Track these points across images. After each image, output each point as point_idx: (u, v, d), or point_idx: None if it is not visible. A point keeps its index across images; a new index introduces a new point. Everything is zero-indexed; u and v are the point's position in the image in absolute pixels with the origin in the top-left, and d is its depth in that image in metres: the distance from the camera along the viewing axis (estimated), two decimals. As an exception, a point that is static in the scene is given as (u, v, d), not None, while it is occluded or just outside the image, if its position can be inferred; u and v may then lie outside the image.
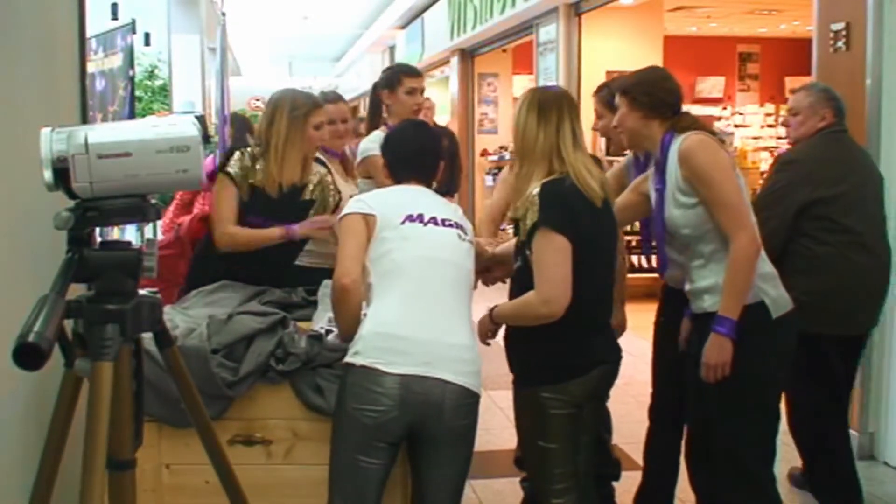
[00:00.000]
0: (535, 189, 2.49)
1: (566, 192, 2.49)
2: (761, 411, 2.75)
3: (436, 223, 2.54)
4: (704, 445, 2.89)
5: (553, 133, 2.53)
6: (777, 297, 2.71)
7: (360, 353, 2.37)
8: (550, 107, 2.56)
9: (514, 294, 2.62)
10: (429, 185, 2.69)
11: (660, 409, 3.36)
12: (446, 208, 2.63)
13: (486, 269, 2.87)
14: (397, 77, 3.86)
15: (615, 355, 2.66)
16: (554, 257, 2.43)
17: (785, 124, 3.75)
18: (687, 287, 2.77)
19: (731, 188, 2.63)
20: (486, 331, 2.65)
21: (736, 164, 2.72)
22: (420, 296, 2.45)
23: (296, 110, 3.14)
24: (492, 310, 2.63)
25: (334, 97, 3.87)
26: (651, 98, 2.75)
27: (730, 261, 2.60)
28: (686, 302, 2.83)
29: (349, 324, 2.49)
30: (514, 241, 2.69)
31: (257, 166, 3.14)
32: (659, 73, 2.91)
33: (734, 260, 2.59)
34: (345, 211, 2.61)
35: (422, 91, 3.89)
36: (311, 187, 3.25)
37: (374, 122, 4.02)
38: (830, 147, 3.50)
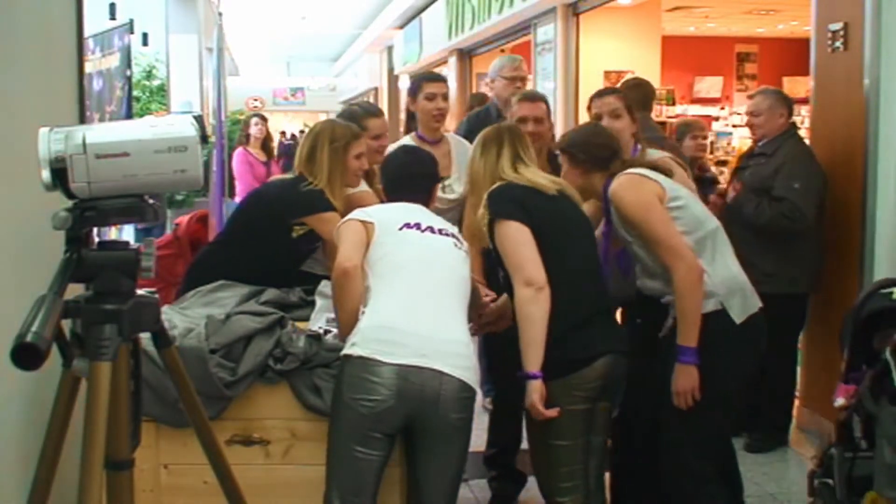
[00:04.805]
0: (485, 197, 2.67)
1: (512, 187, 2.70)
2: (711, 413, 2.74)
3: (432, 231, 2.63)
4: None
5: (493, 161, 2.77)
6: (742, 305, 2.74)
7: (358, 345, 2.39)
8: (491, 140, 2.82)
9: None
10: (425, 206, 2.77)
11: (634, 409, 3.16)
12: (442, 222, 2.72)
13: (480, 325, 2.95)
14: (418, 83, 3.82)
15: (619, 346, 2.67)
16: (514, 241, 2.58)
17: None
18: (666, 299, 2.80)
19: (655, 224, 2.70)
20: None
21: (664, 197, 2.73)
22: (418, 293, 2.48)
23: (336, 142, 3.15)
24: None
25: (376, 111, 3.80)
26: (587, 155, 2.91)
27: (675, 292, 2.67)
28: (660, 307, 2.84)
29: (348, 314, 2.51)
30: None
31: None
32: (591, 131, 3.07)
33: (678, 292, 2.66)
34: (345, 219, 2.68)
35: (443, 96, 3.75)
36: None
37: (408, 129, 4.03)
38: None
